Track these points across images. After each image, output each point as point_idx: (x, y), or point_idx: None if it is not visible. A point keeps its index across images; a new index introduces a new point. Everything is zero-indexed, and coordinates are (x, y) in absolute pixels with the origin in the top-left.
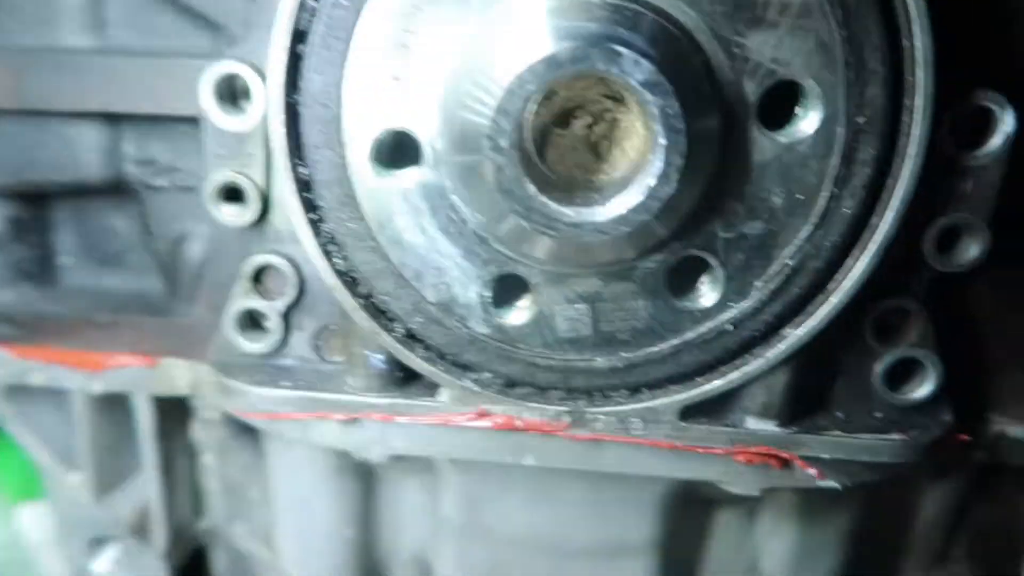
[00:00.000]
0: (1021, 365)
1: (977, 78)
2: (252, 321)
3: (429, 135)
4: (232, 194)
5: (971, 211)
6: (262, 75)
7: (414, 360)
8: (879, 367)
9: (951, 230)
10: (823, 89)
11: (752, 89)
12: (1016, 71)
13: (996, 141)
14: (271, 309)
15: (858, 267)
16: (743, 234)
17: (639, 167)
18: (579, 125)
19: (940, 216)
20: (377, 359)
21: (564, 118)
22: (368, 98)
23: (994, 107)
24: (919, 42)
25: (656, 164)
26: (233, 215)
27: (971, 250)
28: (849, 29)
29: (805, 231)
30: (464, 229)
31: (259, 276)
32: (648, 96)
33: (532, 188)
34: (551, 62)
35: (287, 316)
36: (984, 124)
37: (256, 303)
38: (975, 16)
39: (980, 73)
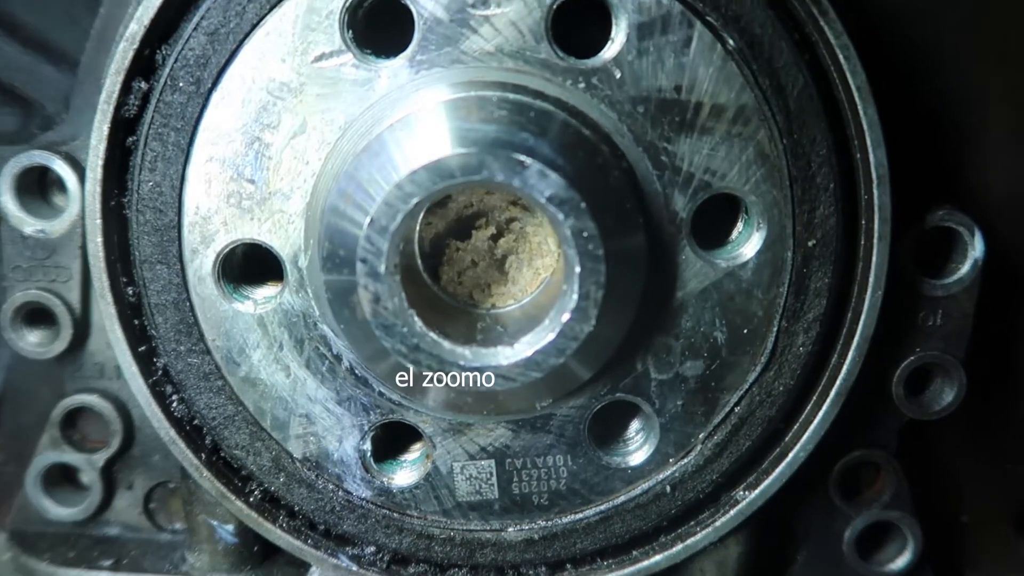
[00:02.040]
0: (997, 516)
1: (939, 196)
2: (64, 478)
3: (292, 250)
4: (38, 316)
5: (942, 348)
6: (81, 170)
7: (274, 532)
8: (848, 533)
9: (921, 371)
10: (765, 206)
11: (684, 204)
12: (982, 187)
13: (964, 267)
14: (88, 463)
15: (818, 415)
16: (680, 375)
17: (552, 296)
18: (481, 237)
19: (908, 355)
20: (226, 530)
21: (464, 227)
22: (215, 203)
23: (961, 228)
24: (873, 155)
25: (571, 296)
26: (39, 344)
27: (944, 393)
28: (793, 139)
29: (753, 373)
30: (337, 367)
31: (73, 421)
32: (558, 215)
33: (419, 323)
34: (438, 171)
35: (110, 472)
36: (950, 248)
37: (69, 455)
38: (935, 126)
39: (942, 190)
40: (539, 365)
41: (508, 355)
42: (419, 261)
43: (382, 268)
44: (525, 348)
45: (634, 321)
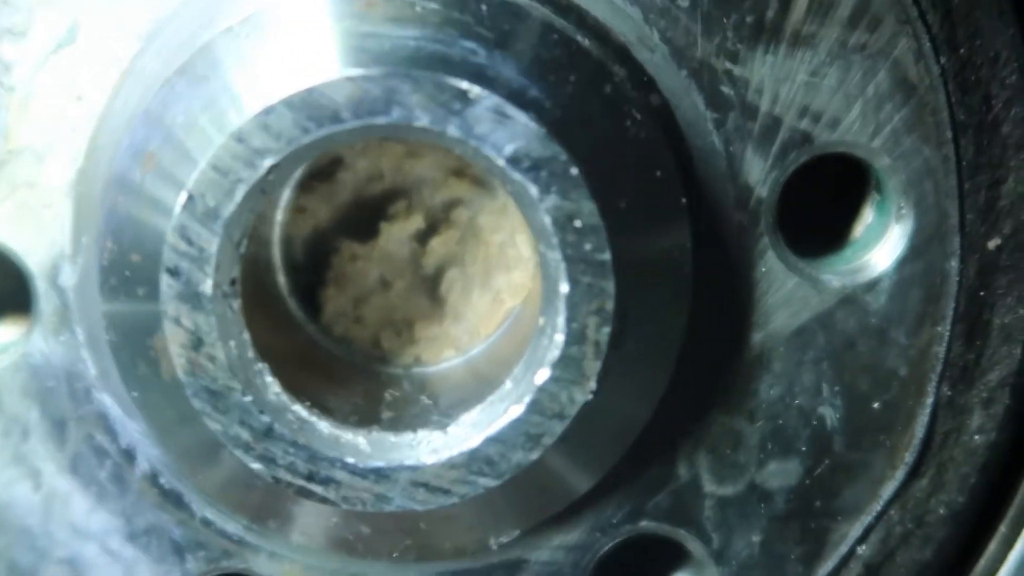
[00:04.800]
0: None
1: None
2: None
3: (48, 256)
4: None
5: None
6: None
7: None
8: None
9: None
10: (911, 176)
11: (765, 172)
12: None
13: None
14: None
15: (1009, 561)
16: (758, 488)
17: (521, 339)
18: (399, 234)
19: None
20: None
21: (368, 217)
22: None
23: None
24: None
25: (552, 336)
26: None
27: None
28: (958, 56)
29: (891, 482)
30: (127, 472)
31: None
32: (530, 187)
33: (274, 388)
34: (312, 108)
35: None
36: None
37: None
38: None
39: None
40: (494, 465)
41: (438, 447)
42: (281, 277)
43: (207, 286)
44: (468, 433)
45: (671, 386)
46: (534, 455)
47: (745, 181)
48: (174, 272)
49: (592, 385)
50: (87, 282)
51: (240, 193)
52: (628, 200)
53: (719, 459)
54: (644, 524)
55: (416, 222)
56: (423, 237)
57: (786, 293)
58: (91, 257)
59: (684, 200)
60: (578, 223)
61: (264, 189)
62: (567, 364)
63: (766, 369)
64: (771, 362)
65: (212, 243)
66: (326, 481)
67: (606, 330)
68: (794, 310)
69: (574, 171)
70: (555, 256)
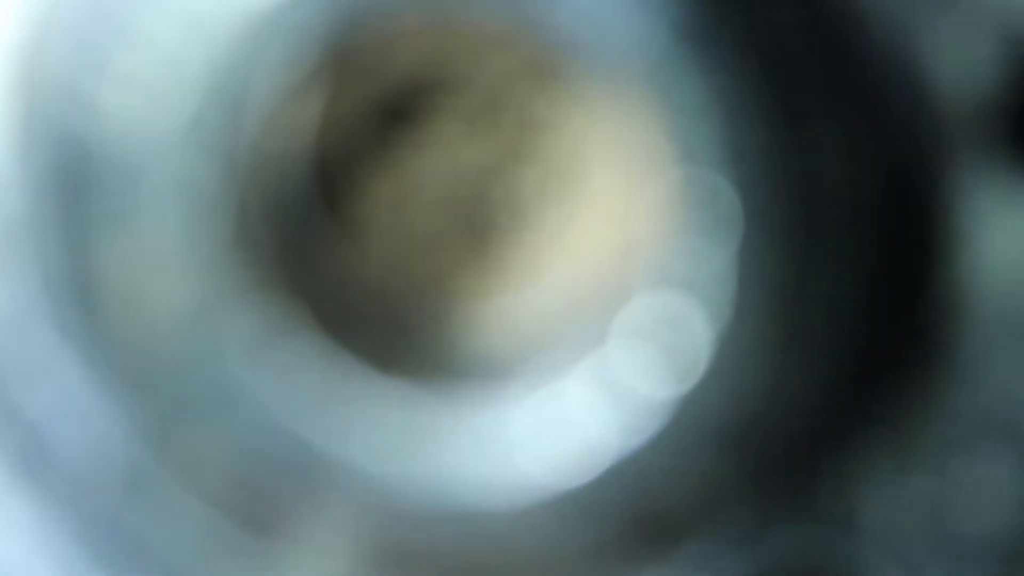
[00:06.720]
0: None
1: None
2: None
3: None
4: None
5: None
6: None
7: None
8: None
9: None
10: None
11: (990, 75)
12: None
13: None
14: None
15: None
16: (947, 524)
17: (605, 304)
18: (436, 147)
19: None
20: None
21: (398, 126)
22: None
23: None
24: None
25: (696, 318)
26: None
27: None
28: None
29: None
30: (48, 463)
31: None
32: (665, 92)
33: (276, 334)
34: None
35: None
36: None
37: None
38: None
39: None
40: (593, 512)
41: (504, 485)
42: (286, 203)
43: (192, 218)
44: (554, 466)
45: (837, 383)
46: (660, 500)
47: (954, 90)
48: (150, 201)
49: (760, 388)
50: (37, 211)
51: (235, 108)
52: (795, 113)
53: (893, 483)
54: (785, 570)
55: (461, 131)
56: (470, 151)
57: (1011, 251)
58: (43, 180)
59: (868, 114)
60: (733, 142)
61: (266, 102)
62: (722, 361)
63: (971, 359)
64: (981, 347)
65: (200, 169)
66: (345, 485)
67: (782, 308)
68: (1019, 275)
69: (730, 66)
70: (704, 194)
